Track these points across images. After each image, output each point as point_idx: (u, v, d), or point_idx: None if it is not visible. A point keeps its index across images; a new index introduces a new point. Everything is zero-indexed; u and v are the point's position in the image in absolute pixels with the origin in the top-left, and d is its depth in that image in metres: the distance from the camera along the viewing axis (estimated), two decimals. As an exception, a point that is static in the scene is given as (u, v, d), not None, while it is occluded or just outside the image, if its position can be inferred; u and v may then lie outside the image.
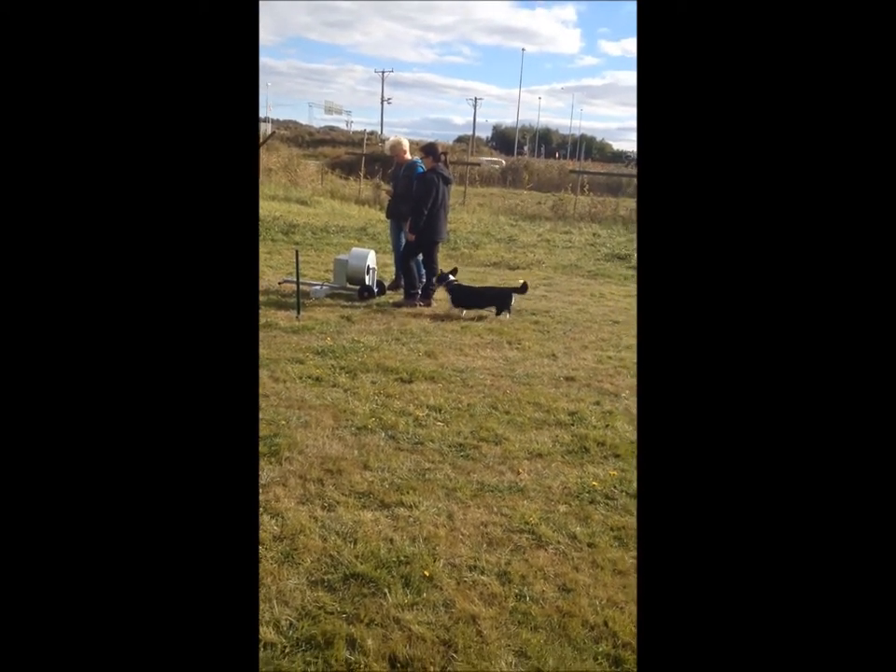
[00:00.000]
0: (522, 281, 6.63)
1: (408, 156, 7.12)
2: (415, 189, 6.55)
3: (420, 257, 6.80)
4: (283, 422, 3.55)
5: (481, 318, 6.27)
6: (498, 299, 6.39)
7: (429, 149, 6.65)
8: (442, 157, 6.69)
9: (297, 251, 6.30)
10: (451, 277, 6.48)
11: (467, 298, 6.40)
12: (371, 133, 41.31)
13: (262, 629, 2.01)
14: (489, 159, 29.73)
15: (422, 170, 6.73)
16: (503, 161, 27.62)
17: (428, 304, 6.62)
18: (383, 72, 64.80)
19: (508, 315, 6.30)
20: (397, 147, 7.17)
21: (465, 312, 6.35)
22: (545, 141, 73.84)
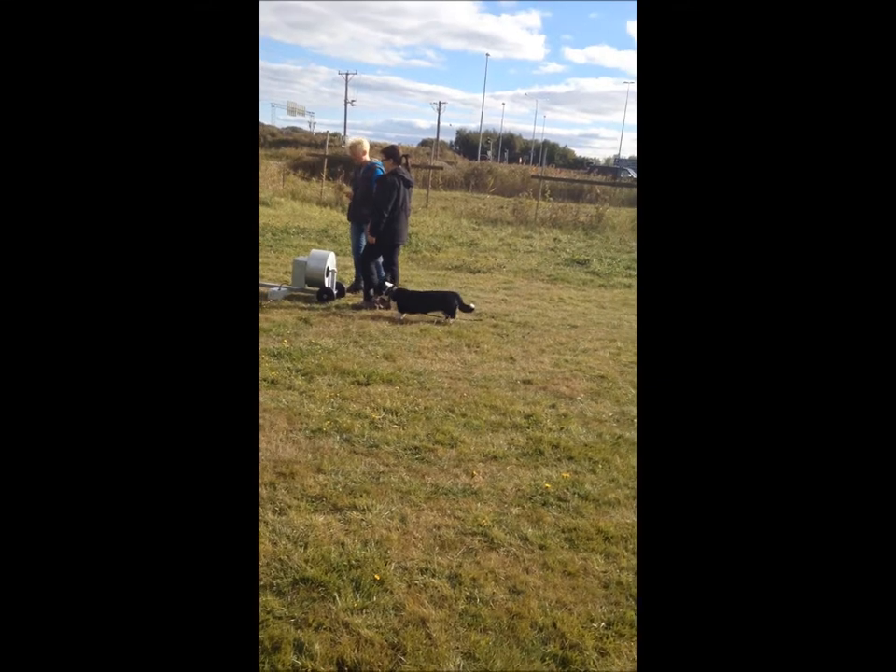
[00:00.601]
0: (472, 305, 6.52)
1: (367, 157, 7.09)
2: (375, 192, 6.53)
3: (380, 259, 6.78)
4: (236, 425, 3.50)
5: (439, 322, 6.27)
6: (443, 302, 6.36)
7: (390, 152, 6.64)
8: (404, 159, 6.67)
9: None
10: (388, 284, 6.45)
11: (412, 303, 6.37)
12: (335, 134, 41.14)
13: (208, 635, 1.98)
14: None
15: (381, 172, 6.71)
16: (444, 165, 27.72)
17: (387, 307, 6.60)
18: (347, 73, 64.58)
19: (451, 321, 6.25)
20: (356, 147, 7.14)
21: (405, 316, 6.31)
22: (508, 146, 74.37)
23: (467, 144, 72.13)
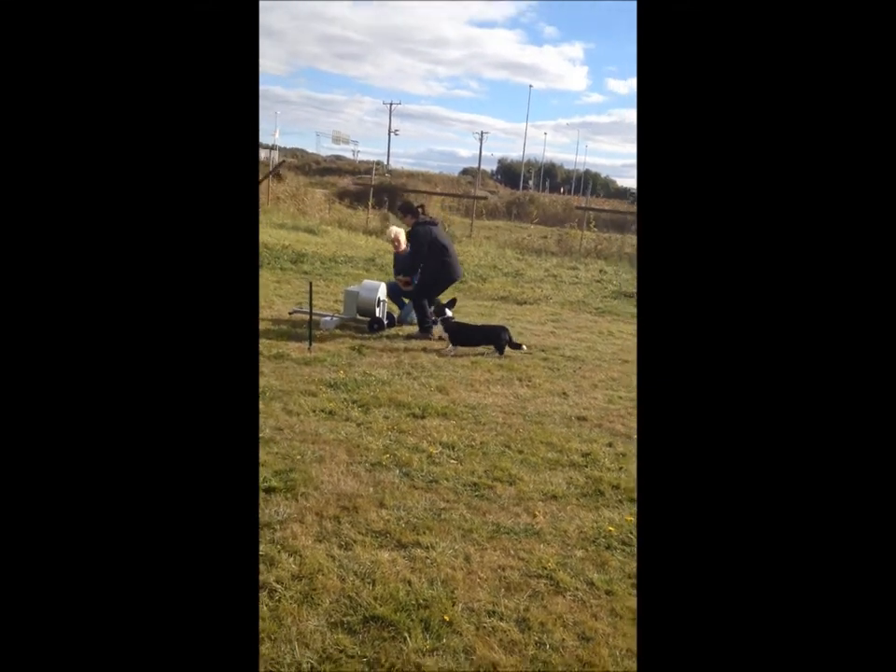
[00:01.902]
0: (522, 345, 6.47)
1: (403, 247, 7.32)
2: (411, 247, 6.79)
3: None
4: (298, 456, 3.55)
5: (489, 354, 6.29)
6: (493, 337, 6.35)
7: (405, 209, 6.97)
8: (419, 209, 6.91)
9: (311, 283, 6.34)
10: (447, 312, 6.49)
11: (463, 336, 6.40)
12: (378, 162, 41.79)
13: (283, 672, 2.00)
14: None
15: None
16: (487, 195, 27.94)
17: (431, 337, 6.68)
18: (391, 103, 65.74)
19: (499, 355, 6.23)
20: (394, 239, 7.43)
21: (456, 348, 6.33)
22: (550, 175, 74.63)
23: (508, 173, 72.63)
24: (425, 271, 6.77)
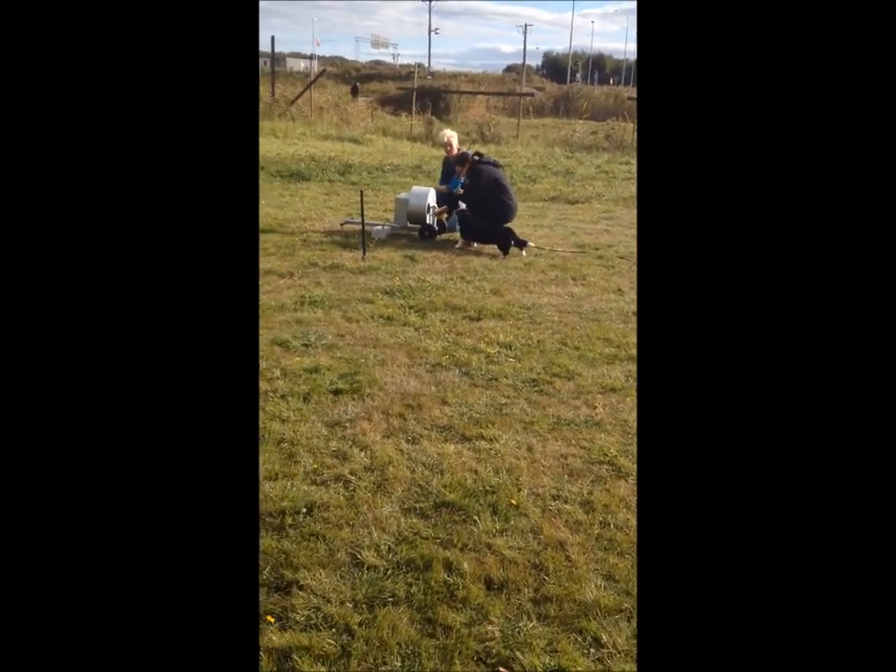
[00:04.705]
0: (527, 243, 6.33)
1: (454, 150, 7.17)
2: (465, 195, 6.62)
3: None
4: (361, 360, 3.67)
5: (542, 255, 6.24)
6: (498, 237, 6.27)
7: (461, 160, 6.76)
8: (476, 156, 6.72)
9: (361, 192, 6.33)
10: (461, 205, 6.44)
11: (472, 230, 6.39)
12: (419, 65, 40.43)
13: (364, 553, 2.15)
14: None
15: (457, 182, 6.78)
16: (534, 92, 26.83)
17: (441, 229, 6.83)
18: (430, 1, 62.78)
19: (504, 256, 6.13)
20: (447, 143, 7.29)
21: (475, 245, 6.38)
22: (598, 67, 71.05)
23: (554, 67, 69.41)
24: (483, 204, 6.47)
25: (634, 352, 3.94)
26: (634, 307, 4.77)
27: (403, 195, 7.03)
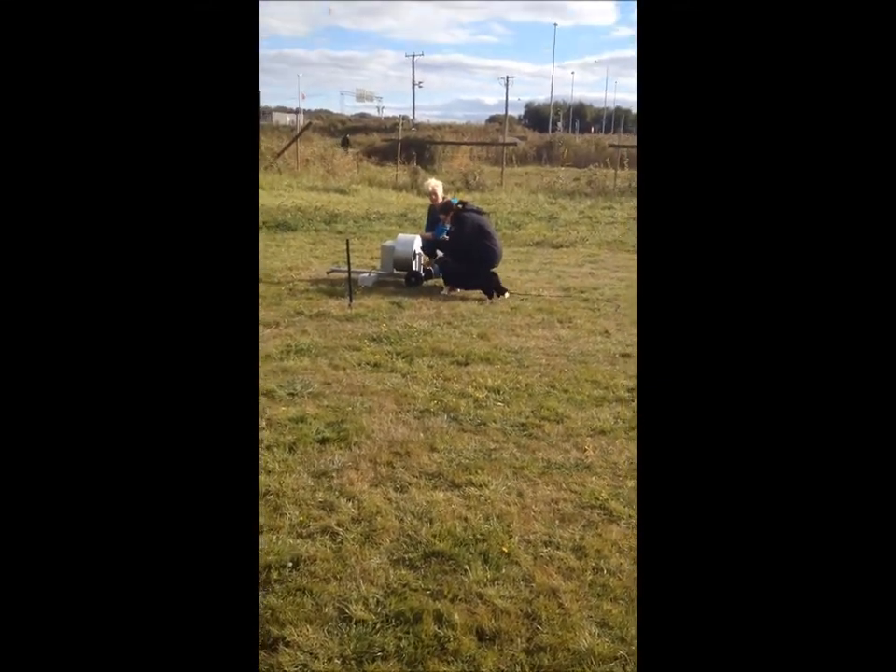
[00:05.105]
0: (507, 292, 6.38)
1: (440, 199, 7.27)
2: (450, 242, 6.70)
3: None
4: (348, 408, 3.64)
5: (528, 299, 6.27)
6: (481, 280, 6.34)
7: (445, 208, 6.81)
8: (460, 204, 6.80)
9: (347, 241, 6.36)
10: (439, 253, 6.55)
11: (455, 276, 6.45)
12: (403, 117, 41.27)
13: (352, 607, 2.09)
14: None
15: (442, 229, 6.89)
16: (517, 141, 27.38)
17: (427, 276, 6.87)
18: (413, 55, 64.46)
19: (490, 301, 6.17)
20: (431, 192, 7.43)
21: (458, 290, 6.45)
22: (579, 116, 72.77)
23: (536, 117, 71.03)
24: (468, 250, 6.45)
25: (622, 393, 3.93)
26: (621, 349, 4.78)
27: (389, 242, 7.08)
